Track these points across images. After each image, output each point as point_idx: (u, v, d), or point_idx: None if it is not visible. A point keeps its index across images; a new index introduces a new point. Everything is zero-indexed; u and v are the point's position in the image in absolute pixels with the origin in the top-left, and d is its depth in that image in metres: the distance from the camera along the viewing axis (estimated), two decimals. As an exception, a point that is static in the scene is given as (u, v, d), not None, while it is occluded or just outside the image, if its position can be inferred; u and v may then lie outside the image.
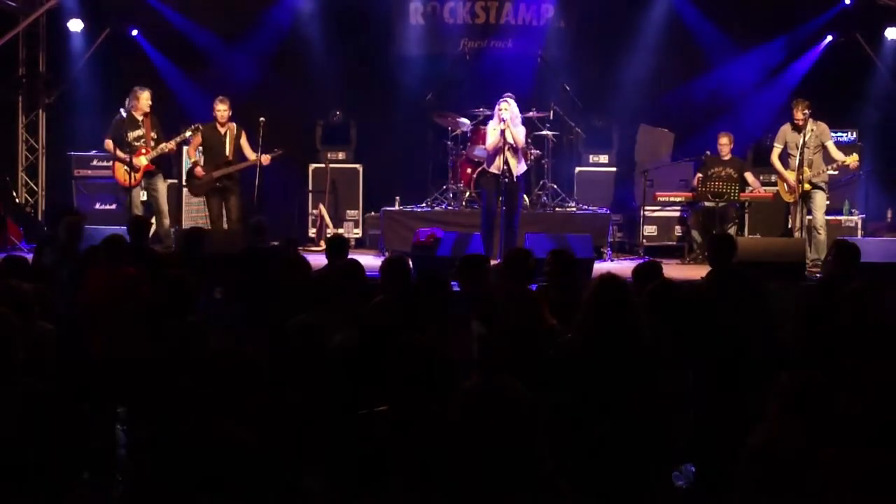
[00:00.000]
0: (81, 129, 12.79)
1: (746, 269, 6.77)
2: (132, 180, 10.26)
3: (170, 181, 11.65)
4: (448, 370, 4.00)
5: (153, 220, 10.87)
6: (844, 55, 12.73)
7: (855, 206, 11.97)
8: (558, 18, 13.18)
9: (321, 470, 3.70)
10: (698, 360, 4.70)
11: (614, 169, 12.83)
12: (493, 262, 7.64)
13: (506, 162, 9.84)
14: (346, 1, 12.91)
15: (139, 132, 10.38)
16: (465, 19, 13.27)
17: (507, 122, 9.78)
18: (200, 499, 3.37)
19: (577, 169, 12.72)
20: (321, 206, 12.15)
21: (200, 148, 10.75)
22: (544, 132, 11.80)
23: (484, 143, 10.28)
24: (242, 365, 3.88)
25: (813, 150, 10.22)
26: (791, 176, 10.28)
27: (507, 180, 9.86)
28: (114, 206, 12.16)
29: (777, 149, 10.49)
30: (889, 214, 12.46)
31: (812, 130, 10.22)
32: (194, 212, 12.08)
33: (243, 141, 10.62)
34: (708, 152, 11.48)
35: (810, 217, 10.33)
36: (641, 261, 8.92)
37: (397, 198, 12.02)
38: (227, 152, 10.56)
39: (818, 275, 9.51)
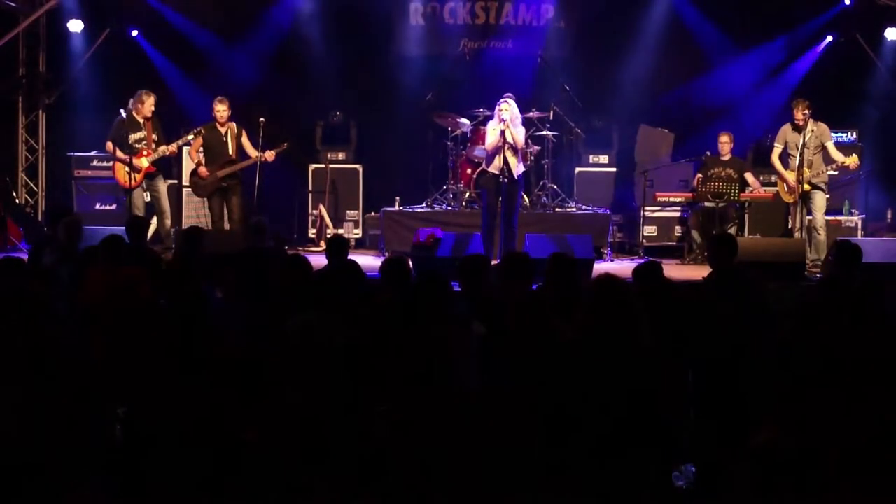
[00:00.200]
0: (81, 129, 12.80)
1: (747, 270, 6.77)
2: (132, 181, 10.26)
3: (170, 182, 11.65)
4: (448, 370, 4.01)
5: (153, 221, 10.89)
6: (844, 55, 12.73)
7: (855, 207, 11.97)
8: (558, 18, 13.18)
9: (321, 469, 3.70)
10: (698, 360, 4.70)
11: (614, 169, 12.82)
12: (493, 262, 7.63)
13: (505, 162, 9.84)
14: (346, 1, 12.91)
15: (141, 134, 10.38)
16: (465, 19, 13.28)
17: (507, 122, 9.79)
18: (201, 499, 3.37)
19: (577, 169, 12.72)
20: (321, 207, 12.15)
21: (202, 149, 10.75)
22: (544, 132, 11.80)
23: (484, 143, 10.28)
24: (243, 364, 3.88)
25: (813, 150, 10.22)
26: (791, 176, 10.28)
27: (506, 180, 9.86)
28: (114, 207, 12.16)
29: (777, 149, 10.50)
30: (889, 214, 12.46)
31: (812, 131, 10.22)
32: (194, 212, 12.08)
33: (244, 140, 10.63)
34: (708, 153, 11.48)
35: (810, 217, 10.33)
36: (641, 261, 8.93)
37: (397, 198, 12.02)
38: (230, 151, 10.56)
39: (818, 275, 9.52)
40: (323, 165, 12.52)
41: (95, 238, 7.21)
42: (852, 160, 10.24)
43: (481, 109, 11.51)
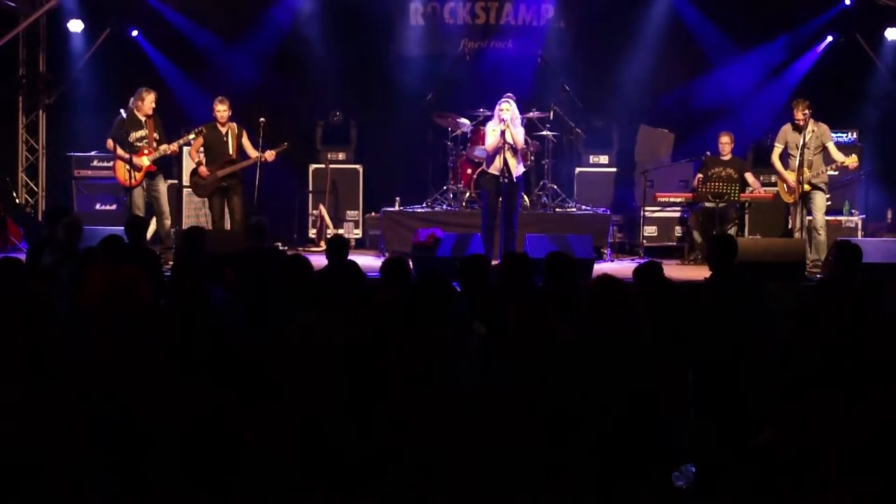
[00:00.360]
0: (81, 129, 12.80)
1: (747, 270, 6.77)
2: (132, 180, 10.25)
3: (170, 182, 11.64)
4: (448, 370, 4.01)
5: (153, 220, 10.88)
6: (844, 55, 12.73)
7: (855, 207, 11.97)
8: (558, 19, 13.18)
9: (321, 470, 3.70)
10: (698, 360, 4.70)
11: (614, 169, 12.83)
12: (493, 263, 7.63)
13: (505, 162, 9.84)
14: (346, 1, 12.90)
15: (142, 133, 10.37)
16: (465, 20, 13.28)
17: (507, 122, 9.79)
18: (200, 499, 3.37)
19: (578, 169, 12.72)
20: (321, 207, 12.15)
21: (202, 149, 10.75)
22: (544, 132, 11.80)
23: (484, 143, 10.28)
24: (244, 364, 3.88)
25: (813, 150, 10.22)
26: (791, 176, 10.28)
27: (506, 181, 9.86)
28: (114, 207, 12.16)
29: (778, 148, 10.50)
30: (889, 215, 12.46)
31: (813, 131, 10.22)
32: (194, 212, 12.08)
33: (245, 140, 10.61)
34: (708, 153, 11.48)
35: (810, 217, 10.33)
36: (642, 261, 8.93)
37: (397, 198, 12.02)
38: (231, 151, 10.55)
39: (818, 275, 9.52)
40: (323, 165, 12.52)
41: (95, 238, 7.22)
42: (852, 160, 10.24)
43: (481, 109, 11.51)
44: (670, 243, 12.01)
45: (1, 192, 12.75)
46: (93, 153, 12.44)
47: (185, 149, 11.25)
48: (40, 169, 13.40)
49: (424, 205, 11.87)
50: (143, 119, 10.39)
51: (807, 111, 10.17)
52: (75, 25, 12.81)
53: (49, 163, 13.36)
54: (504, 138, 9.77)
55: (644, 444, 4.18)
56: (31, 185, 13.37)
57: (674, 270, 9.68)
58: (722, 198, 10.80)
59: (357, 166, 12.71)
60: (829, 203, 10.60)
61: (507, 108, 9.85)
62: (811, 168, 10.21)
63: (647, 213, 11.89)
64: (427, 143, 12.28)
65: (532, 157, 11.38)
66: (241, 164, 10.54)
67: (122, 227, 8.25)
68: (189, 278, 6.35)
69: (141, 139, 10.36)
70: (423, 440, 3.39)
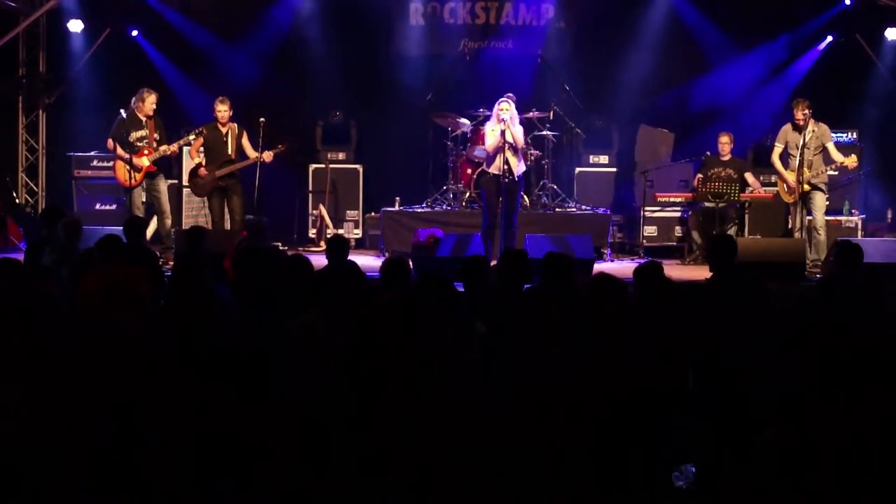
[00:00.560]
0: (81, 129, 12.81)
1: (747, 270, 6.77)
2: (132, 180, 10.25)
3: (170, 182, 11.64)
4: (450, 371, 4.00)
5: (154, 220, 10.88)
6: (844, 55, 12.73)
7: (855, 207, 11.97)
8: (558, 19, 13.19)
9: (321, 470, 3.70)
10: (698, 360, 4.70)
11: (614, 169, 12.83)
12: (492, 263, 7.64)
13: (506, 162, 9.84)
14: (346, 1, 12.91)
15: (142, 132, 10.37)
16: (465, 19, 13.28)
17: (507, 122, 9.79)
18: (199, 499, 3.37)
19: (578, 169, 12.72)
20: (321, 207, 12.15)
21: (202, 148, 10.75)
22: (544, 132, 11.80)
23: (484, 143, 10.29)
24: (243, 364, 3.88)
25: (813, 150, 10.22)
26: (791, 176, 10.28)
27: (507, 180, 9.87)
28: (114, 207, 12.16)
29: (778, 148, 10.50)
30: (889, 214, 12.47)
31: (813, 131, 10.22)
32: (195, 212, 12.08)
33: (245, 140, 10.60)
34: (708, 153, 11.48)
35: (810, 217, 10.34)
36: (641, 261, 8.93)
37: (397, 198, 12.02)
38: (230, 151, 10.55)
39: (818, 275, 9.52)
40: (323, 165, 12.52)
41: (95, 238, 7.21)
42: (851, 160, 10.25)
43: (481, 109, 11.51)
44: (670, 243, 12.02)
45: (1, 191, 12.75)
46: (93, 153, 12.45)
47: (186, 149, 11.25)
48: (40, 169, 13.41)
49: (424, 205, 11.87)
50: (143, 119, 10.39)
51: (807, 111, 10.17)
52: (75, 25, 12.82)
53: (49, 163, 13.37)
54: (504, 138, 9.78)
55: (644, 443, 4.18)
56: (31, 185, 13.37)
57: (674, 270, 9.68)
58: (722, 198, 10.80)
59: (357, 166, 12.72)
60: (829, 203, 10.59)
61: (507, 108, 9.86)
62: (811, 168, 10.21)
63: (647, 213, 11.89)
64: (427, 143, 12.29)
65: (532, 159, 11.38)
66: (239, 164, 10.53)
67: (121, 228, 8.26)
68: (189, 278, 6.34)
69: (141, 139, 10.36)
70: (423, 440, 3.38)
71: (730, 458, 3.82)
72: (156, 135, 10.44)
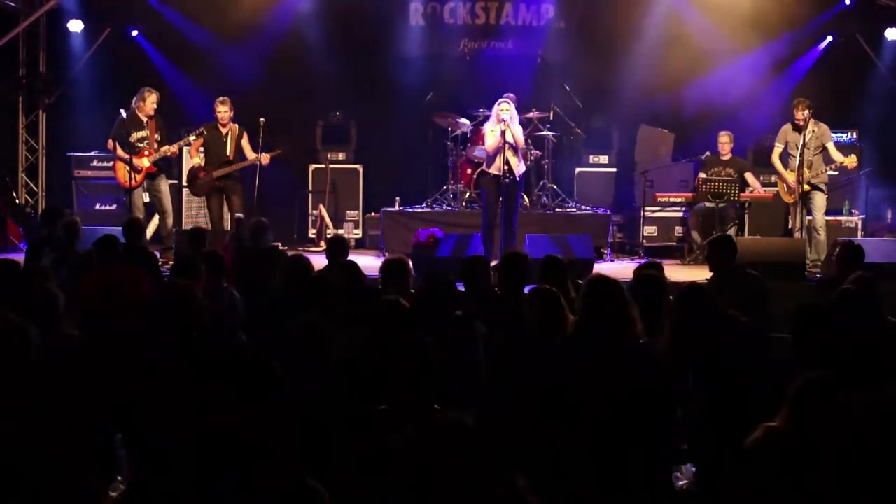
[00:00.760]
0: (81, 129, 12.79)
1: (748, 270, 6.76)
2: (132, 181, 10.24)
3: (170, 182, 11.61)
4: (452, 371, 4.00)
5: (156, 220, 10.87)
6: (844, 55, 12.72)
7: (855, 207, 11.97)
8: (558, 19, 13.18)
9: (321, 471, 3.70)
10: (698, 360, 4.70)
11: (614, 169, 12.83)
12: (492, 263, 7.63)
13: (506, 162, 9.84)
14: (346, 1, 12.90)
15: (143, 133, 10.36)
16: (465, 20, 13.27)
17: (507, 122, 9.79)
18: (198, 499, 3.36)
19: (578, 169, 12.72)
20: (321, 207, 12.15)
21: (202, 148, 10.74)
22: (544, 132, 11.80)
23: (484, 143, 10.28)
24: (246, 364, 3.88)
25: (813, 150, 10.22)
26: (791, 176, 10.28)
27: (507, 180, 9.87)
28: (114, 207, 12.16)
29: (778, 148, 10.50)
30: (889, 215, 12.46)
31: (813, 131, 10.22)
32: (195, 212, 12.07)
33: (244, 141, 10.58)
34: (708, 152, 11.47)
35: (810, 217, 10.34)
36: (641, 261, 8.92)
37: (397, 198, 12.02)
38: (228, 152, 10.53)
39: (818, 275, 9.52)
40: (323, 165, 12.52)
41: (95, 238, 7.21)
42: (851, 160, 10.25)
43: (481, 109, 11.51)
44: (670, 243, 12.01)
45: (1, 191, 12.74)
46: (93, 153, 12.44)
47: (185, 149, 11.25)
48: (40, 169, 13.40)
49: (424, 205, 11.87)
50: (144, 119, 10.38)
51: (807, 111, 10.17)
52: (75, 25, 12.82)
53: (49, 163, 13.36)
54: (504, 138, 9.78)
55: (645, 442, 4.18)
56: (31, 184, 13.37)
57: (674, 271, 9.68)
58: (722, 198, 10.80)
59: (357, 166, 12.72)
60: (829, 202, 10.59)
61: (507, 108, 9.86)
62: (811, 168, 10.21)
63: (647, 213, 11.89)
64: (427, 143, 12.28)
65: (532, 160, 11.38)
66: (237, 165, 10.51)
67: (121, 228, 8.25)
68: (188, 278, 6.34)
69: (142, 140, 10.35)
70: (423, 440, 3.38)
71: (730, 458, 3.82)
72: (156, 135, 10.43)
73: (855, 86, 12.74)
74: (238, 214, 10.49)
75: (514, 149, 9.91)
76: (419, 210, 11.72)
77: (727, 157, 11.33)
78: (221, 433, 3.40)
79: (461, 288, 5.80)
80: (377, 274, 6.05)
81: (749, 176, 11.36)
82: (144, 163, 10.31)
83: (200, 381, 4.04)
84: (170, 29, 12.88)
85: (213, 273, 6.18)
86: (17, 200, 12.95)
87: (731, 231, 10.95)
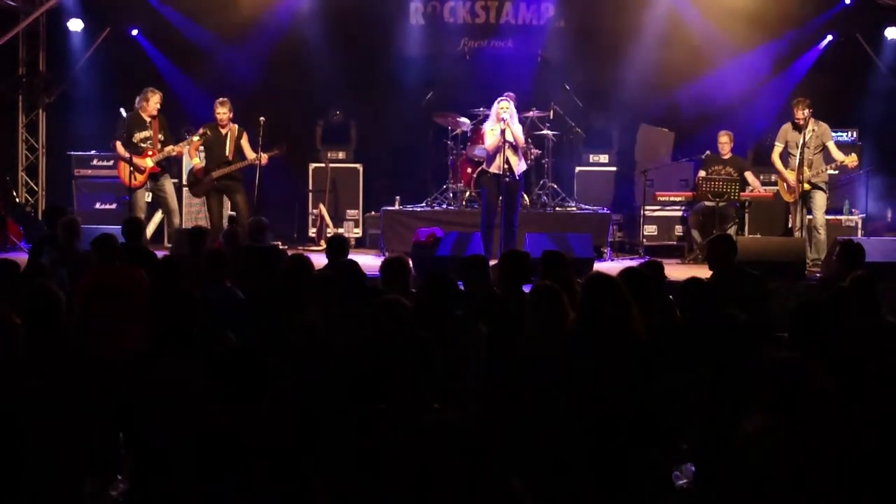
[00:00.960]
0: (81, 128, 12.80)
1: (748, 269, 6.76)
2: (132, 180, 10.22)
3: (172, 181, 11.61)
4: (452, 370, 4.00)
5: (155, 220, 10.86)
6: (845, 55, 12.72)
7: (855, 206, 11.97)
8: (558, 18, 13.19)
9: (321, 470, 3.70)
10: (699, 359, 4.70)
11: (614, 168, 12.83)
12: (492, 262, 7.63)
13: (507, 161, 9.84)
14: (346, 1, 12.90)
15: (146, 133, 10.35)
16: (465, 19, 13.27)
17: (507, 121, 9.79)
18: (198, 497, 3.37)
19: (578, 168, 12.72)
20: (321, 206, 12.15)
21: (202, 149, 10.72)
22: (544, 132, 11.79)
23: (484, 143, 10.28)
24: (245, 364, 3.88)
25: (813, 150, 10.22)
26: (791, 175, 10.28)
27: (507, 179, 9.87)
28: (114, 206, 12.16)
29: (778, 147, 10.50)
30: (889, 214, 12.46)
31: (813, 131, 10.22)
32: (195, 212, 12.07)
33: (244, 141, 10.57)
34: (708, 152, 11.47)
35: (810, 217, 10.33)
36: (642, 260, 8.92)
37: (397, 197, 12.02)
38: (227, 152, 10.52)
39: (818, 274, 9.52)
40: (323, 165, 12.52)
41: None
42: (851, 160, 10.25)
43: (481, 109, 11.50)
44: (670, 242, 12.01)
45: (1, 191, 12.74)
46: (93, 152, 12.44)
47: (186, 148, 11.21)
48: (40, 168, 13.41)
49: (424, 204, 11.86)
50: (147, 120, 10.37)
51: (807, 110, 10.17)
52: (75, 24, 12.82)
53: (49, 162, 13.36)
54: (504, 137, 9.78)
55: (644, 443, 4.18)
56: (31, 184, 13.37)
57: (674, 270, 9.67)
58: (722, 197, 10.79)
59: (357, 165, 12.72)
60: (829, 201, 10.59)
61: (506, 107, 9.86)
62: (811, 167, 10.21)
63: (647, 213, 11.89)
64: (427, 142, 12.28)
65: (532, 159, 11.38)
66: (236, 165, 10.49)
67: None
68: (188, 278, 6.34)
69: (145, 140, 10.34)
70: (423, 440, 3.38)
71: (729, 457, 3.81)
72: (160, 135, 10.42)
73: (855, 85, 12.75)
74: (231, 213, 10.49)
75: (514, 148, 9.91)
76: (419, 209, 11.71)
77: (727, 157, 11.33)
78: (221, 433, 3.40)
79: (461, 287, 5.79)
80: (377, 273, 6.05)
81: (749, 175, 11.36)
82: (148, 163, 10.29)
83: (200, 380, 4.04)
84: (170, 28, 12.88)
85: (214, 271, 6.18)
86: (17, 200, 12.95)
87: (732, 230, 10.95)
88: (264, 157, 10.41)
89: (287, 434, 3.79)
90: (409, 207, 11.81)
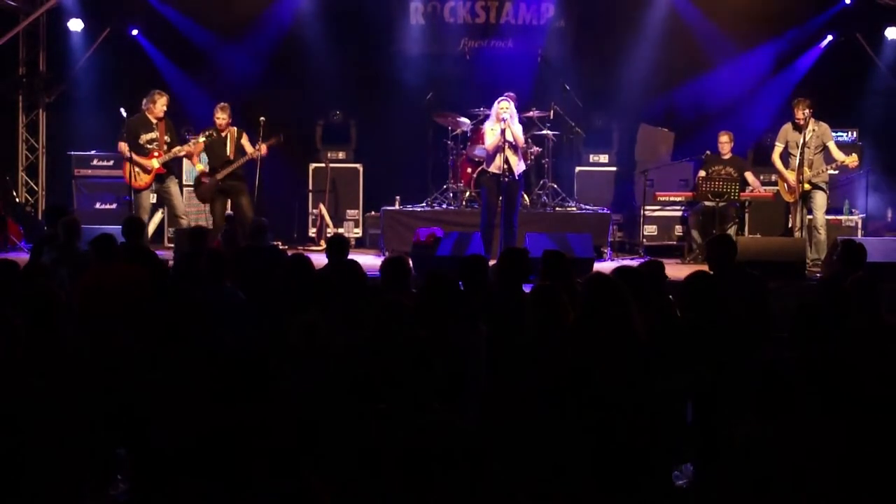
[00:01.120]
0: (81, 128, 12.80)
1: (748, 269, 6.76)
2: (133, 179, 10.20)
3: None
4: (452, 370, 4.00)
5: (155, 220, 10.84)
6: (845, 55, 12.72)
7: (855, 206, 11.97)
8: (558, 18, 13.19)
9: (321, 469, 3.70)
10: (698, 359, 4.70)
11: (614, 168, 12.83)
12: (492, 262, 7.64)
13: (506, 161, 9.84)
14: (346, 1, 12.90)
15: (153, 135, 10.34)
16: (465, 19, 13.27)
17: (507, 120, 9.79)
18: (198, 497, 3.37)
19: (578, 168, 12.72)
20: (321, 206, 12.15)
21: (204, 155, 10.69)
22: (544, 132, 11.79)
23: (484, 142, 10.28)
24: (244, 363, 3.88)
25: (814, 150, 10.22)
26: (791, 175, 10.28)
27: (507, 179, 9.87)
28: (114, 206, 12.15)
29: (778, 147, 10.50)
30: (889, 214, 12.46)
31: (813, 130, 10.22)
32: (193, 213, 12.05)
33: (244, 140, 10.56)
34: (708, 152, 11.47)
35: (811, 217, 10.33)
36: (642, 260, 8.92)
37: (397, 197, 12.02)
38: (228, 152, 10.52)
39: (818, 274, 9.52)
40: (323, 165, 12.52)
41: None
42: (851, 159, 10.25)
43: (481, 108, 11.50)
44: (670, 242, 12.01)
45: (1, 190, 12.74)
46: (93, 152, 12.44)
47: (192, 145, 11.11)
48: (40, 168, 13.40)
49: (424, 204, 11.86)
50: (154, 121, 10.36)
51: (807, 110, 10.17)
52: (75, 24, 12.81)
53: (49, 162, 13.36)
54: (504, 137, 9.78)
55: (644, 442, 4.18)
56: (31, 183, 13.37)
57: (674, 270, 9.67)
58: (722, 197, 10.79)
59: (357, 165, 12.72)
60: (829, 201, 10.59)
61: (507, 107, 9.86)
62: (812, 167, 10.21)
63: (647, 213, 11.89)
64: (427, 142, 12.28)
65: (532, 159, 11.38)
66: (238, 162, 10.48)
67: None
68: (188, 278, 6.35)
69: (151, 141, 10.34)
70: (423, 440, 3.38)
71: (729, 457, 3.82)
72: (166, 137, 10.41)
73: (855, 85, 12.75)
74: (228, 212, 10.48)
75: (514, 148, 9.91)
76: (419, 209, 11.71)
77: (727, 157, 11.33)
78: (221, 433, 3.40)
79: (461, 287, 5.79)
80: (377, 273, 6.05)
81: (749, 175, 11.36)
82: (154, 164, 10.28)
83: (200, 380, 4.04)
84: (170, 28, 12.88)
85: (215, 271, 6.18)
86: (17, 199, 12.95)
87: (732, 230, 10.95)
88: (264, 148, 10.36)
89: (287, 434, 3.79)
90: (409, 207, 11.81)
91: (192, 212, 12.04)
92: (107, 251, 6.54)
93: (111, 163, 12.10)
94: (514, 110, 10.02)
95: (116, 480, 4.74)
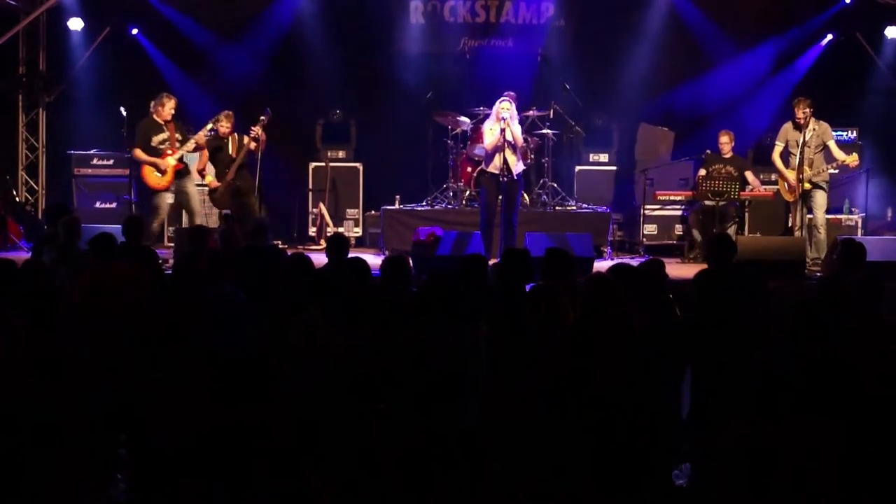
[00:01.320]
0: (81, 127, 12.81)
1: (747, 268, 6.76)
2: (151, 181, 10.19)
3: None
4: (452, 370, 4.00)
5: (161, 220, 10.82)
6: (845, 54, 12.73)
7: (855, 205, 11.97)
8: (558, 17, 13.19)
9: (321, 469, 3.70)
10: (698, 359, 4.70)
11: (614, 168, 12.84)
12: (492, 262, 7.63)
13: (505, 161, 9.84)
14: (346, 0, 12.90)
15: (164, 136, 10.33)
16: (465, 18, 13.28)
17: (507, 120, 9.80)
18: (198, 496, 3.37)
19: (578, 168, 12.72)
20: (321, 205, 12.15)
21: (209, 164, 10.66)
22: (544, 131, 11.80)
23: (483, 142, 10.28)
24: (244, 363, 3.88)
25: (814, 149, 10.22)
26: (791, 175, 10.28)
27: (506, 179, 9.87)
28: (114, 205, 12.16)
29: (778, 147, 10.50)
30: (889, 213, 12.46)
31: (814, 130, 10.22)
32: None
33: (245, 139, 10.57)
34: (708, 151, 11.47)
35: (811, 216, 10.33)
36: (642, 259, 8.92)
37: (397, 197, 12.02)
38: (231, 152, 10.52)
39: (818, 273, 9.52)
40: (323, 164, 12.52)
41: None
42: (852, 159, 10.24)
43: (481, 108, 11.51)
44: (670, 241, 12.02)
45: (1, 190, 12.74)
46: (93, 151, 12.45)
47: (205, 130, 11.01)
48: (40, 167, 13.41)
49: (424, 203, 11.87)
50: (163, 123, 10.36)
51: (807, 110, 10.17)
52: (75, 23, 12.81)
53: (49, 161, 13.36)
54: (504, 136, 9.78)
55: (644, 442, 4.18)
56: (31, 183, 13.37)
57: (674, 269, 9.67)
58: (722, 196, 10.79)
59: (357, 164, 12.72)
60: (829, 200, 10.59)
61: (507, 107, 9.86)
62: (812, 166, 10.21)
63: (647, 212, 11.89)
64: (427, 141, 12.28)
65: (532, 155, 11.39)
66: (241, 154, 10.45)
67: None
68: (188, 278, 6.34)
69: (163, 142, 10.33)
70: (424, 440, 3.38)
71: (728, 457, 3.82)
72: (177, 135, 10.41)
73: (855, 84, 12.76)
74: (225, 211, 10.47)
75: (514, 148, 9.91)
76: (419, 208, 11.72)
77: (728, 156, 11.33)
78: (221, 433, 3.40)
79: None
80: (377, 272, 6.05)
81: (749, 174, 11.36)
82: (170, 161, 10.27)
83: (200, 380, 4.04)
84: (170, 27, 12.89)
85: (215, 271, 6.17)
86: (17, 199, 12.95)
87: (731, 229, 10.95)
88: (257, 130, 10.26)
89: (287, 434, 3.80)
90: (409, 206, 11.81)
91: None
92: (105, 250, 6.53)
93: (111, 162, 12.10)
94: (515, 111, 10.03)
95: (116, 480, 4.74)
